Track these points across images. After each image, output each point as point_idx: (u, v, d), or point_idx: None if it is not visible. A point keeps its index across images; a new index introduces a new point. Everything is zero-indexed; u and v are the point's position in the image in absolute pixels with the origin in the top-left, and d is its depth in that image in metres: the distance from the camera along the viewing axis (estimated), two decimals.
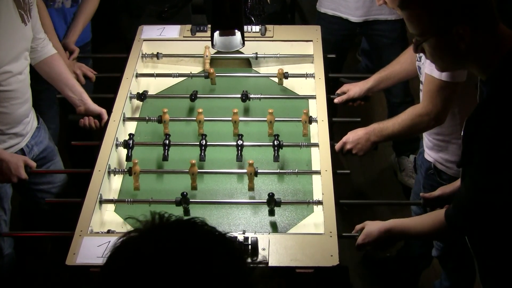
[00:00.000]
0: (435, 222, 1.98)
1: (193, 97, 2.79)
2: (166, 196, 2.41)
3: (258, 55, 3.01)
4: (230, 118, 2.66)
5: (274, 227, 2.32)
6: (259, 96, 2.78)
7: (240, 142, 2.53)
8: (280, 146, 2.51)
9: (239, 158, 2.51)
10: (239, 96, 2.77)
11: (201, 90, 2.87)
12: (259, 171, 2.44)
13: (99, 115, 2.71)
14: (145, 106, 2.87)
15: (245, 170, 2.46)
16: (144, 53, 3.01)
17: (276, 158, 2.50)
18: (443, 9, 1.77)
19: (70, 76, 2.75)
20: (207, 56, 2.98)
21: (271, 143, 2.53)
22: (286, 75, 2.87)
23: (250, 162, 2.40)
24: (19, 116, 2.55)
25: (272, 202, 2.31)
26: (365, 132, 2.52)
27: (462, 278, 2.88)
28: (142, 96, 2.80)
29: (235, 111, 2.64)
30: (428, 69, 2.30)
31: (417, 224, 2.09)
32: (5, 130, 2.52)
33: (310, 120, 2.63)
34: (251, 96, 2.78)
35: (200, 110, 2.65)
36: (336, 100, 2.83)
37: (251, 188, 2.44)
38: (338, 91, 2.85)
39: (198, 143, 2.54)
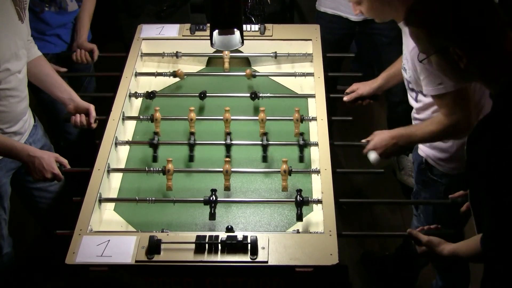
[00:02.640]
0: None
1: (202, 95, 2.80)
2: (169, 194, 2.43)
3: (257, 54, 3.01)
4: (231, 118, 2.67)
5: (273, 226, 2.32)
6: (258, 95, 2.79)
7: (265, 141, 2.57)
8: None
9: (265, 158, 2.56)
10: (241, 95, 2.79)
11: (201, 90, 2.87)
12: (257, 170, 2.45)
13: (87, 110, 2.70)
14: (145, 105, 2.87)
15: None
16: (162, 52, 3.00)
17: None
18: (437, 30, 1.81)
19: (57, 76, 2.74)
20: (226, 55, 2.98)
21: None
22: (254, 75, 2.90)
23: (284, 159, 2.41)
24: (18, 114, 2.55)
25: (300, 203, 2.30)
26: (391, 136, 2.49)
27: (455, 278, 2.89)
28: (151, 95, 2.80)
29: (227, 108, 2.65)
30: (431, 90, 2.31)
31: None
32: (5, 129, 2.51)
33: (302, 119, 2.64)
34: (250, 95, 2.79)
35: (192, 108, 2.65)
36: (345, 98, 2.85)
37: (284, 188, 2.41)
38: (348, 90, 2.86)
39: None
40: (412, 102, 2.52)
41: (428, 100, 2.41)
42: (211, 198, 2.30)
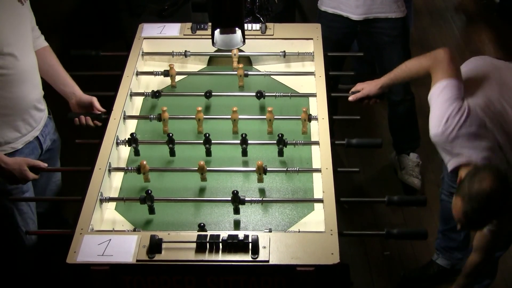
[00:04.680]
0: None
1: (208, 94, 2.80)
2: (170, 194, 2.43)
3: (258, 53, 3.01)
4: (230, 116, 2.67)
5: (275, 225, 2.32)
6: (264, 94, 2.79)
7: (244, 140, 2.54)
8: (284, 144, 2.53)
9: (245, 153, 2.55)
10: (246, 94, 2.79)
11: (202, 88, 2.87)
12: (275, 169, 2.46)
13: (91, 104, 2.69)
14: (146, 104, 2.87)
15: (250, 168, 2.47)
16: (172, 51, 2.99)
17: (280, 153, 2.53)
18: None
19: (61, 69, 2.72)
20: (235, 54, 2.97)
21: (274, 141, 2.54)
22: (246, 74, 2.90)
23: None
24: (30, 101, 2.51)
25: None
26: None
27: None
28: (157, 94, 2.80)
29: (234, 109, 2.65)
30: None
31: None
32: (12, 119, 2.46)
33: (310, 118, 2.64)
34: (252, 94, 2.78)
35: (200, 109, 2.65)
36: (350, 98, 2.83)
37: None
38: (353, 89, 2.85)
39: (202, 141, 2.55)
40: None
41: None
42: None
